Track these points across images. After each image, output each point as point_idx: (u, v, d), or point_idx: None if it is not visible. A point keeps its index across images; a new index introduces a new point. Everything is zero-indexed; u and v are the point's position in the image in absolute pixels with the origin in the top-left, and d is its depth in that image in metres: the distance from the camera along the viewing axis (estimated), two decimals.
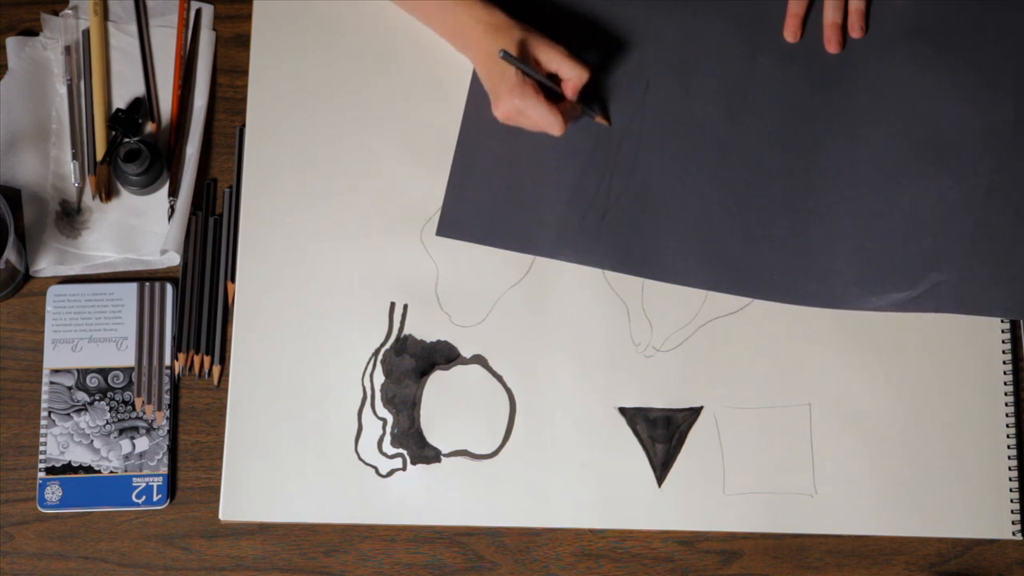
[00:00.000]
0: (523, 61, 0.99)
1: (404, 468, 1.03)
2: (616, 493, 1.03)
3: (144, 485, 1.03)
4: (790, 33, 1.09)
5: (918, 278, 1.04)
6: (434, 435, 1.04)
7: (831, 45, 1.09)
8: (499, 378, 1.05)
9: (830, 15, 1.09)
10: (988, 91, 1.07)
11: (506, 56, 0.97)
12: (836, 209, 1.06)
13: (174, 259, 1.07)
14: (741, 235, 1.06)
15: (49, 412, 1.04)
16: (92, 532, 1.03)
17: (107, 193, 1.09)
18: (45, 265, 1.07)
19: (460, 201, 1.06)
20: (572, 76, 1.01)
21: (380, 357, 1.05)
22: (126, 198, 1.09)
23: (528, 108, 0.99)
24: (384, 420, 1.04)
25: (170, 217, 1.08)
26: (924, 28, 1.09)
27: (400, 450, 1.04)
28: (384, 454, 1.04)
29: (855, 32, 1.09)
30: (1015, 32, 1.09)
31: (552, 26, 1.09)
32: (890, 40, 1.09)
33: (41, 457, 1.03)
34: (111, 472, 1.03)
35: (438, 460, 1.04)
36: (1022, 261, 1.04)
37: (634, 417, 1.04)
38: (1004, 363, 1.04)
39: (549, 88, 1.01)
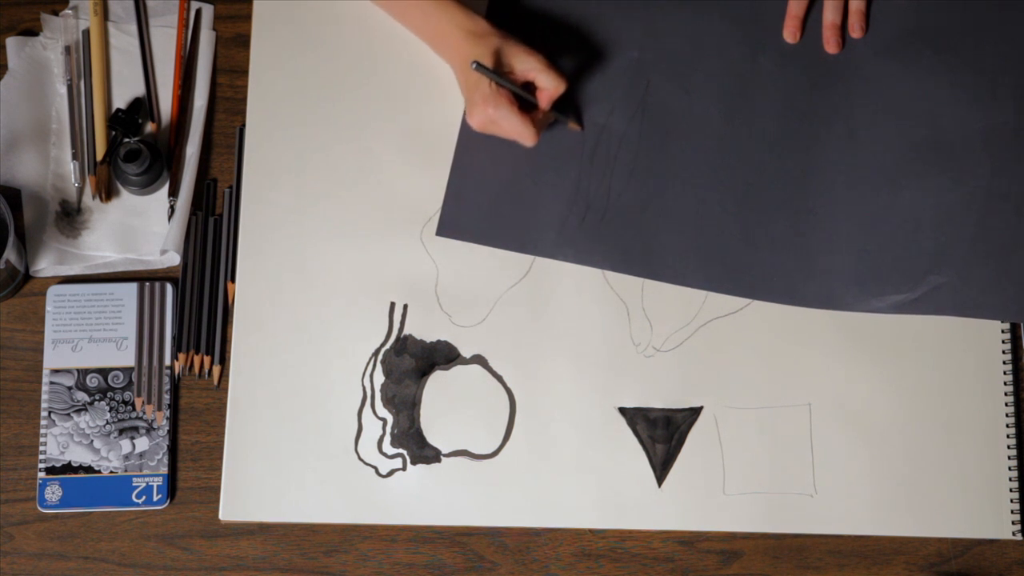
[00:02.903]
0: (499, 69, 1.00)
1: (404, 468, 1.03)
2: (616, 493, 1.03)
3: (144, 485, 1.03)
4: (789, 34, 1.09)
5: (917, 280, 1.04)
6: (434, 435, 1.04)
7: (830, 46, 1.09)
8: (499, 378, 1.05)
9: (830, 16, 1.09)
10: (988, 92, 1.07)
11: (479, 67, 0.97)
12: (835, 210, 1.06)
13: (174, 259, 1.07)
14: (741, 235, 1.06)
15: (49, 412, 1.04)
16: (92, 532, 1.03)
17: (107, 193, 1.09)
18: (45, 265, 1.07)
19: (460, 201, 1.06)
20: (548, 87, 1.01)
21: (380, 357, 1.05)
22: (126, 198, 1.09)
23: (501, 118, 0.99)
24: (384, 420, 1.04)
25: (170, 217, 1.08)
26: (924, 28, 1.09)
27: (400, 450, 1.04)
28: (384, 454, 1.04)
29: (855, 32, 1.09)
30: (1015, 32, 1.09)
31: (550, 26, 1.10)
32: (890, 40, 1.09)
33: (41, 457, 1.03)
34: (111, 472, 1.03)
35: (438, 460, 1.04)
36: (1022, 263, 1.04)
37: (634, 417, 1.04)
38: (1004, 363, 1.04)
39: (523, 97, 1.01)
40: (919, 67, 1.08)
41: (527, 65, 1.00)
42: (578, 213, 1.06)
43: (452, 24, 1.02)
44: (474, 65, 0.97)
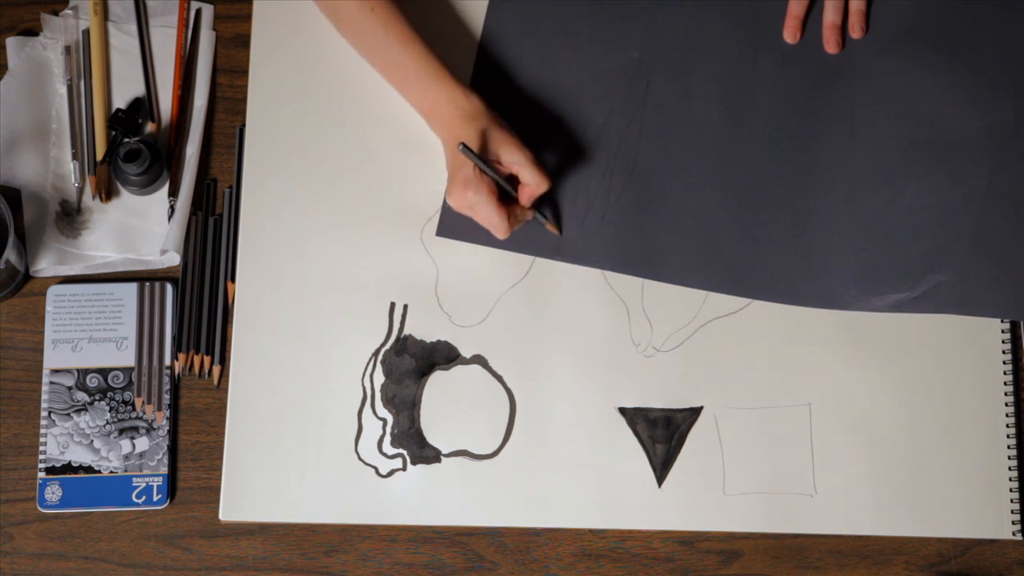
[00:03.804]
0: (485, 156, 0.99)
1: (404, 468, 1.03)
2: (616, 493, 1.03)
3: (144, 485, 1.03)
4: (790, 34, 1.09)
5: (918, 279, 1.04)
6: (434, 435, 1.04)
7: (830, 46, 1.09)
8: (499, 378, 1.05)
9: (830, 16, 1.09)
10: (988, 91, 1.07)
11: (465, 150, 0.96)
12: (835, 209, 1.06)
13: (174, 259, 1.07)
14: (741, 235, 1.06)
15: (49, 412, 1.04)
16: (92, 532, 1.03)
17: (107, 193, 1.09)
18: (45, 265, 1.07)
19: None
20: (531, 183, 1.00)
21: (380, 357, 1.05)
22: (126, 198, 1.09)
23: (478, 205, 0.99)
24: (384, 420, 1.04)
25: (170, 217, 1.08)
26: (924, 28, 1.09)
27: (400, 450, 1.04)
28: (384, 454, 1.04)
29: (855, 32, 1.09)
30: (1015, 32, 1.09)
31: (551, 27, 1.10)
32: (890, 40, 1.09)
33: (41, 457, 1.03)
34: (111, 472, 1.03)
35: (438, 460, 1.04)
36: (1022, 262, 1.04)
37: (634, 417, 1.04)
38: (1004, 363, 1.04)
39: (504, 188, 1.01)
40: (919, 67, 1.08)
41: (513, 158, 1.00)
42: (578, 214, 1.06)
43: (451, 103, 1.01)
44: (461, 147, 0.96)
